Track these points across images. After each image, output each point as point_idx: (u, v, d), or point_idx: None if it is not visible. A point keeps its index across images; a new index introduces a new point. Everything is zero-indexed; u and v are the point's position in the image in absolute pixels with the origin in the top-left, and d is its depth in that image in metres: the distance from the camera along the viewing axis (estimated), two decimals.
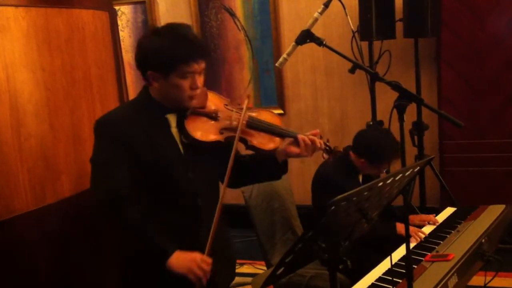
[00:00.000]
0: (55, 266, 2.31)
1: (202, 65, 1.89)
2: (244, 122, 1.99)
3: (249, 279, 3.48)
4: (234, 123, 1.98)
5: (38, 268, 2.26)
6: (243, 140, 2.00)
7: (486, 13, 3.90)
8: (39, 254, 2.25)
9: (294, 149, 2.07)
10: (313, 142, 2.06)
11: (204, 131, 1.94)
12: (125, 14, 5.08)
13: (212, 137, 1.95)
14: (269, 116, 2.13)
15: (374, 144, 2.85)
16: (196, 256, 1.85)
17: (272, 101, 4.77)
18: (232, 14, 4.66)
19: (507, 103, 3.97)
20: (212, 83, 4.75)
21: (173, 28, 1.90)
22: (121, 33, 4.82)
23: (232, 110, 2.03)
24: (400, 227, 2.80)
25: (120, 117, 1.91)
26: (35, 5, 2.24)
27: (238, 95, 4.81)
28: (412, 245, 2.61)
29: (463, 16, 3.96)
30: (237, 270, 3.96)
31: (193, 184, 1.96)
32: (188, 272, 1.82)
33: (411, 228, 2.71)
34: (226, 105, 2.05)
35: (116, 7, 4.81)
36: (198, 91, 1.91)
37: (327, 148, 2.13)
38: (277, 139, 2.08)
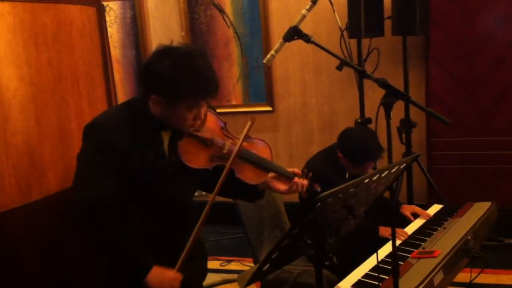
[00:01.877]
0: (41, 262, 2.30)
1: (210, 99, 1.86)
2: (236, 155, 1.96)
3: (236, 276, 3.48)
4: (226, 152, 1.96)
5: (24, 264, 2.24)
6: (231, 171, 1.98)
7: (476, 11, 3.93)
8: (24, 250, 2.24)
9: (279, 186, 2.10)
10: (302, 185, 2.10)
11: (194, 157, 1.92)
12: (113, 9, 5.05)
13: (201, 164, 1.94)
14: (261, 148, 2.12)
15: (355, 146, 2.89)
16: (170, 275, 1.90)
17: (261, 98, 4.78)
18: (221, 11, 4.65)
19: (495, 101, 4.00)
20: None
21: (189, 56, 1.80)
22: (109, 29, 4.79)
23: (227, 137, 2.01)
24: (383, 231, 2.83)
25: (112, 124, 1.84)
26: (21, 0, 2.22)
27: (227, 92, 4.81)
28: (398, 242, 2.63)
29: (453, 14, 3.98)
30: (225, 267, 4.00)
31: (181, 196, 1.97)
32: None
33: (397, 230, 2.74)
34: (222, 128, 2.03)
35: (104, 3, 4.77)
36: (199, 121, 1.88)
37: (310, 186, 2.16)
38: (264, 174, 2.08)
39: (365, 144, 2.86)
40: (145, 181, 1.87)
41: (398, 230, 2.74)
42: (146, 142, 1.87)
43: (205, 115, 1.94)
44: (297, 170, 2.14)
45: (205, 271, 2.28)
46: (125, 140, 1.81)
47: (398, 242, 2.64)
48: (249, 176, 2.04)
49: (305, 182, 2.12)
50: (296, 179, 2.09)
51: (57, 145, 2.38)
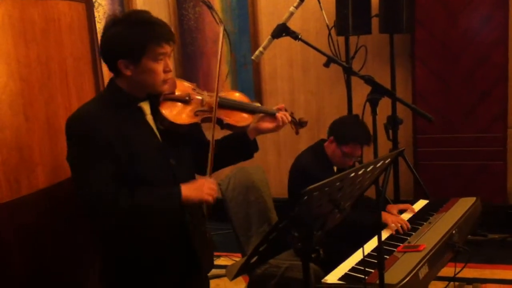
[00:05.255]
0: (30, 258, 2.30)
1: (172, 46, 1.89)
2: (217, 101, 2.04)
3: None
4: (207, 104, 2.04)
5: (12, 259, 2.25)
6: (218, 120, 2.05)
7: (459, 10, 3.98)
8: (12, 245, 2.24)
9: (267, 125, 2.20)
10: (285, 117, 2.21)
11: (180, 115, 1.97)
12: (102, 5, 5.03)
13: (189, 119, 1.98)
14: (237, 95, 2.25)
15: (344, 124, 3.02)
16: (201, 181, 1.95)
17: (249, 95, 4.74)
18: (210, 7, 4.65)
19: (479, 98, 4.06)
20: (190, 77, 4.75)
21: (134, 14, 1.91)
22: (98, 25, 4.75)
23: (202, 93, 2.09)
24: (385, 216, 2.84)
25: (91, 114, 1.86)
26: None
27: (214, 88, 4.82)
28: (386, 235, 2.67)
29: (437, 13, 4.03)
30: (214, 262, 4.01)
31: (174, 170, 1.96)
32: (201, 195, 1.91)
33: (397, 219, 2.78)
34: (194, 89, 2.10)
35: None
36: (170, 74, 1.92)
37: (294, 120, 2.28)
38: (250, 116, 2.18)
39: (352, 123, 3.00)
40: (136, 156, 1.86)
41: (399, 219, 2.78)
42: (128, 118, 1.89)
43: (174, 81, 2.00)
44: (280, 106, 2.24)
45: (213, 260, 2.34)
46: (106, 124, 1.83)
47: (387, 234, 2.68)
48: (237, 119, 2.12)
49: (288, 114, 2.22)
50: (278, 113, 2.19)
51: (46, 141, 2.38)
